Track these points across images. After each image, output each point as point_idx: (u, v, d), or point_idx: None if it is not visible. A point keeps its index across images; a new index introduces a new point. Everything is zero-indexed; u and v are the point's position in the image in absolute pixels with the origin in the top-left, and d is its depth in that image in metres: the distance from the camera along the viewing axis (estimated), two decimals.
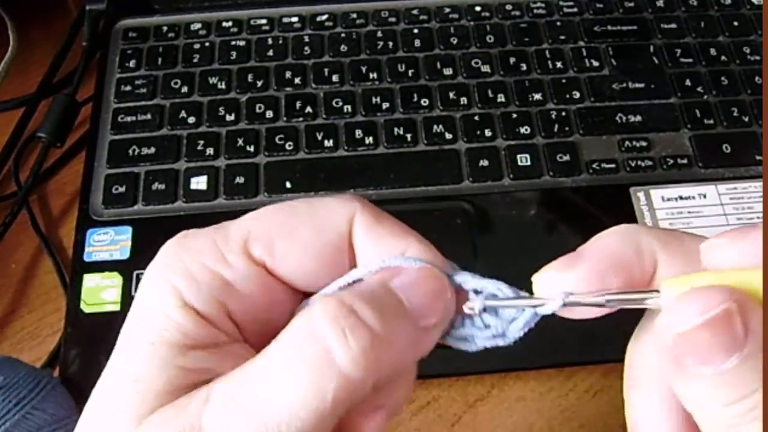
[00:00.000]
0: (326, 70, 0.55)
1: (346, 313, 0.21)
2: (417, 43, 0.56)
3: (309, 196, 0.48)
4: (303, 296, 0.25)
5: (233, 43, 0.56)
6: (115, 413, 0.21)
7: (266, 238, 0.23)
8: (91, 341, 0.44)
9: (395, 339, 0.21)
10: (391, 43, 0.56)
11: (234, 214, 0.51)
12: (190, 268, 0.23)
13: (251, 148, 0.51)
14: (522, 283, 0.24)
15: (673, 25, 0.57)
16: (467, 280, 0.24)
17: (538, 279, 0.23)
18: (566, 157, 0.50)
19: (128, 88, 0.54)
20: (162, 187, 0.49)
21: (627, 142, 0.51)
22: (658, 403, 0.23)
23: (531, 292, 0.23)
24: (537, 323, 0.23)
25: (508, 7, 0.58)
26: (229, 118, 0.52)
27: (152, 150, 0.51)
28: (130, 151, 0.51)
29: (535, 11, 0.58)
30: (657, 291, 0.21)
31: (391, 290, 0.22)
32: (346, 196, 0.25)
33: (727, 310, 0.19)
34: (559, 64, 0.55)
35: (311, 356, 0.20)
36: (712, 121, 0.52)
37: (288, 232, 0.23)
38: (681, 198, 0.48)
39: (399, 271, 0.23)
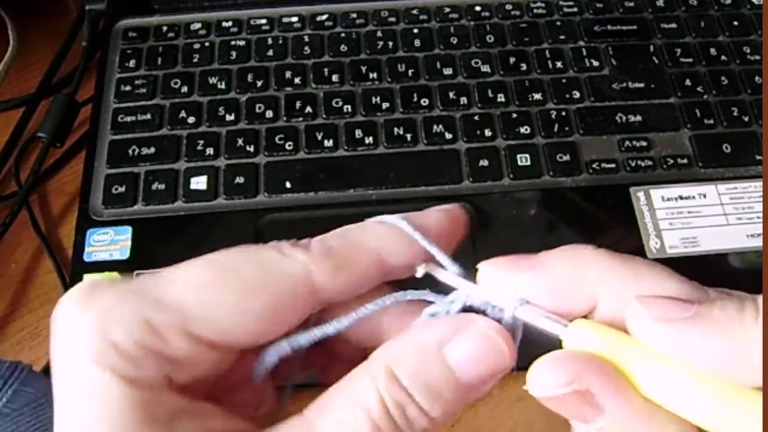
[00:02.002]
0: (326, 70, 0.55)
1: (405, 400, 0.21)
2: (417, 43, 0.56)
3: (309, 196, 0.49)
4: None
5: (233, 43, 0.56)
6: None
7: (210, 315, 0.21)
8: None
9: (448, 413, 0.21)
10: (391, 43, 0.56)
11: (234, 214, 0.51)
12: (128, 349, 0.21)
13: (251, 148, 0.51)
14: None
15: (673, 25, 0.57)
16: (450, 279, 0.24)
17: (485, 268, 0.23)
18: (566, 157, 0.50)
19: (128, 88, 0.54)
20: (162, 187, 0.49)
21: (627, 142, 0.51)
22: None
23: None
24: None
25: (508, 7, 0.58)
26: (229, 118, 0.52)
27: (152, 150, 0.51)
28: (130, 151, 0.51)
29: (535, 11, 0.58)
30: (565, 325, 0.22)
31: (447, 366, 0.21)
32: (288, 250, 0.23)
33: (577, 392, 0.20)
34: (559, 64, 0.55)
35: None
36: (712, 121, 0.52)
37: (237, 305, 0.22)
38: (681, 198, 0.48)
39: (454, 331, 0.22)
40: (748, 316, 0.19)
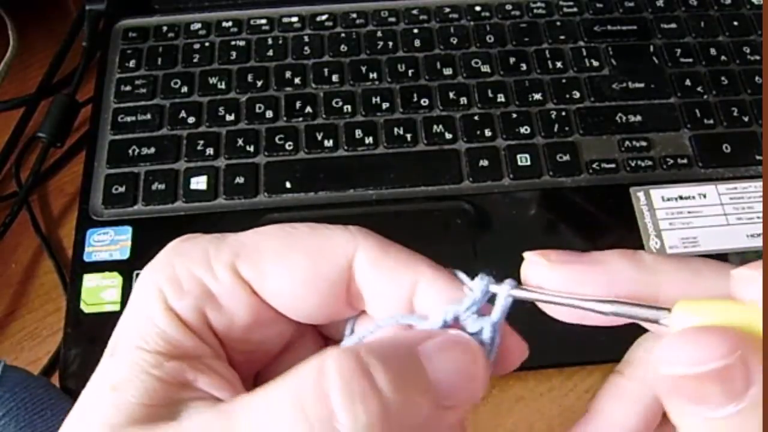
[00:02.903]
0: (326, 70, 0.55)
1: (360, 375, 0.18)
2: (417, 43, 0.56)
3: (309, 196, 0.49)
4: (312, 328, 0.24)
5: (233, 43, 0.56)
6: (89, 424, 0.20)
7: (256, 257, 0.22)
8: (91, 341, 0.44)
9: (408, 415, 0.19)
10: (391, 43, 0.56)
11: (234, 214, 0.51)
12: (178, 273, 0.22)
13: (251, 148, 0.51)
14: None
15: (673, 25, 0.57)
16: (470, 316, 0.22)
17: (527, 260, 0.22)
18: (566, 157, 0.50)
19: (128, 88, 0.54)
20: (162, 187, 0.49)
21: (627, 142, 0.51)
22: (632, 400, 0.23)
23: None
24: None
25: (508, 7, 0.58)
26: (229, 118, 0.52)
27: (152, 150, 0.51)
28: (130, 151, 0.51)
29: (535, 11, 0.58)
30: (668, 310, 0.20)
31: (416, 356, 0.20)
32: (352, 228, 0.23)
33: (728, 366, 0.17)
34: (559, 64, 0.55)
35: (312, 417, 0.18)
36: (712, 121, 0.52)
37: (280, 255, 0.22)
38: (681, 198, 0.48)
39: (430, 335, 0.21)
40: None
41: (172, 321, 0.22)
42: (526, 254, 0.22)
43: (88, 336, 0.44)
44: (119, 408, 0.20)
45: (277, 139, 0.51)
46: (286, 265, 0.22)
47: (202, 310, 0.22)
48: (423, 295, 0.22)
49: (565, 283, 0.21)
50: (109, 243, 0.47)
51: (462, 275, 0.23)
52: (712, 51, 0.55)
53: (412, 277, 0.22)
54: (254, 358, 0.24)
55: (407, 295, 0.23)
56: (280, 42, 0.56)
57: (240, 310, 0.22)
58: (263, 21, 0.58)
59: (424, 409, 0.19)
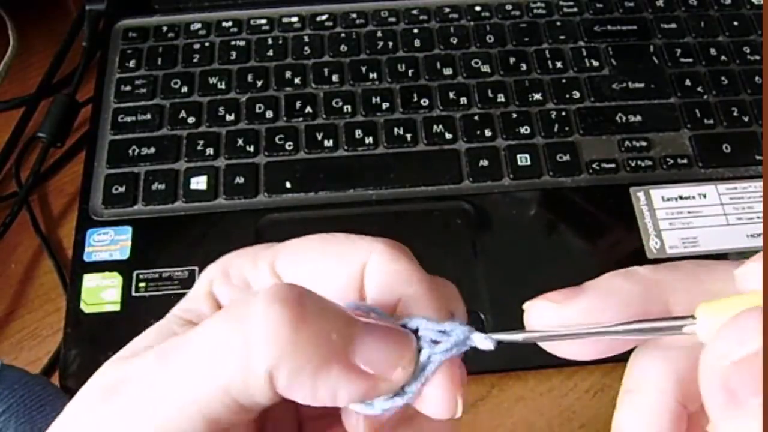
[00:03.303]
0: (326, 70, 0.55)
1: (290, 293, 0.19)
2: (417, 43, 0.56)
3: (309, 196, 0.49)
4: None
5: (233, 43, 0.56)
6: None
7: (293, 256, 0.23)
8: (91, 341, 0.44)
9: (316, 342, 0.19)
10: (391, 43, 0.56)
11: (234, 214, 0.51)
12: (230, 267, 0.24)
13: (251, 148, 0.51)
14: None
15: (673, 25, 0.57)
16: (423, 325, 0.21)
17: (531, 307, 0.22)
18: (566, 157, 0.50)
19: (128, 88, 0.54)
20: (162, 187, 0.49)
21: (627, 142, 0.51)
22: (653, 412, 0.22)
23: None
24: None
25: (508, 7, 0.58)
26: (229, 118, 0.52)
27: (152, 150, 0.51)
28: (130, 151, 0.51)
29: (535, 11, 0.58)
30: (692, 317, 0.20)
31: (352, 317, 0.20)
32: (377, 239, 0.24)
33: None
34: (559, 64, 0.55)
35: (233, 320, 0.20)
36: (712, 121, 0.52)
37: (314, 258, 0.23)
38: (681, 198, 0.48)
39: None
40: None
41: (209, 303, 0.23)
42: (527, 303, 0.22)
43: (88, 336, 0.44)
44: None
45: (277, 139, 0.51)
46: (317, 264, 0.23)
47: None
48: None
49: (579, 317, 0.21)
50: (109, 243, 0.47)
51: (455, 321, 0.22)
52: (712, 51, 0.55)
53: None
54: None
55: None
56: (280, 42, 0.56)
57: None
58: (263, 21, 0.58)
59: (333, 349, 0.19)
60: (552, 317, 0.21)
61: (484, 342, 0.21)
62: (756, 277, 0.19)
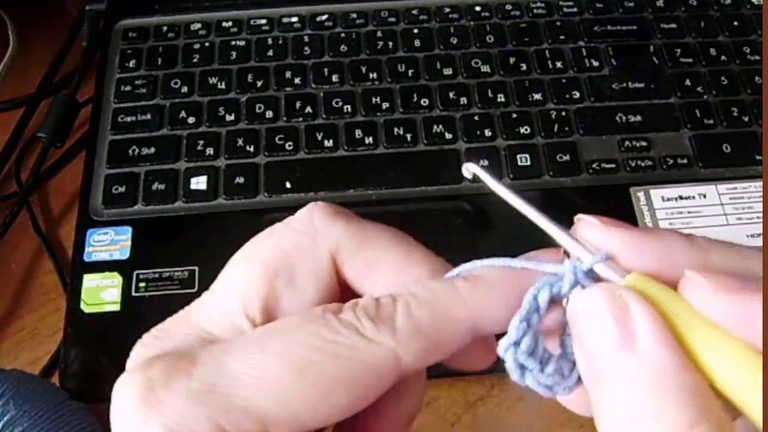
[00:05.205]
0: (326, 70, 0.55)
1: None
2: (417, 43, 0.56)
3: (309, 196, 0.49)
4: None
5: (233, 43, 0.56)
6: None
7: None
8: (91, 341, 0.44)
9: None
10: (391, 43, 0.56)
11: (234, 215, 0.51)
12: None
13: (251, 148, 0.51)
14: None
15: (673, 25, 0.57)
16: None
17: (580, 223, 0.22)
18: (566, 157, 0.50)
19: (128, 88, 0.54)
20: (162, 187, 0.49)
21: (627, 142, 0.51)
22: None
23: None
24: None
25: (508, 7, 0.58)
26: (229, 118, 0.52)
27: (152, 150, 0.51)
28: (130, 151, 0.51)
29: (535, 11, 0.58)
30: (625, 274, 0.20)
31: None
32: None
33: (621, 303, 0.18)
34: (559, 64, 0.55)
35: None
36: (712, 121, 0.52)
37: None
38: (681, 198, 0.48)
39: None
40: None
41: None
42: (579, 215, 0.22)
43: (88, 336, 0.44)
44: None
45: (277, 139, 0.51)
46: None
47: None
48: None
49: (617, 246, 0.21)
50: (109, 243, 0.47)
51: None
52: (712, 51, 0.55)
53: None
54: None
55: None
56: (280, 42, 0.56)
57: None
58: (263, 21, 0.58)
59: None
60: (596, 238, 0.21)
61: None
62: (695, 286, 0.19)
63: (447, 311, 0.20)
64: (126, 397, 0.19)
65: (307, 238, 0.22)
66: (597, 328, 0.19)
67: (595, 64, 0.55)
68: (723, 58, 0.55)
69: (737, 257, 0.20)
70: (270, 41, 0.56)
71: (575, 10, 0.58)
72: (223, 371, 0.19)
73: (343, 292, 0.22)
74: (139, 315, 0.44)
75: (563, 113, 0.52)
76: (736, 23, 0.57)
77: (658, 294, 0.19)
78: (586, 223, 0.22)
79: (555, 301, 0.21)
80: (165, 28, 0.57)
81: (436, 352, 0.20)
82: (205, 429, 0.18)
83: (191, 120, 0.52)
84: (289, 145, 0.51)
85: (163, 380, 0.19)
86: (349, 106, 0.53)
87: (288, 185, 0.49)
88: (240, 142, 0.51)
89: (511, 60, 0.55)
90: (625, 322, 0.18)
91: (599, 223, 0.21)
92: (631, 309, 0.19)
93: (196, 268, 0.46)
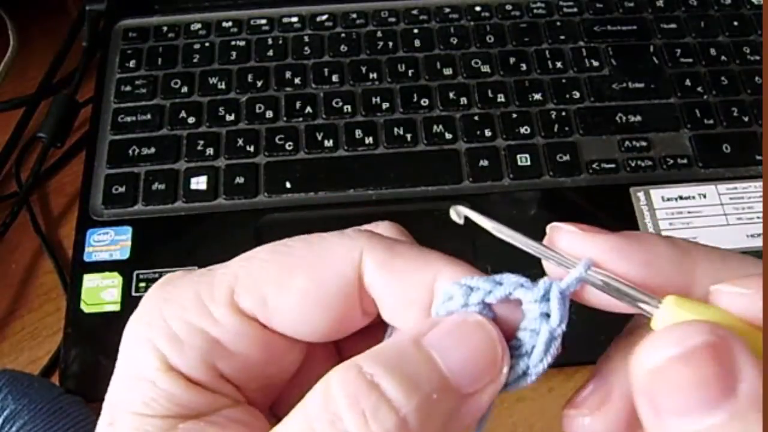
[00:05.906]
0: (326, 70, 0.55)
1: (366, 389, 0.17)
2: (417, 43, 0.56)
3: (309, 196, 0.49)
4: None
5: (233, 43, 0.56)
6: None
7: (256, 287, 0.20)
8: (91, 341, 0.44)
9: (430, 415, 0.17)
10: (391, 43, 0.56)
11: (234, 215, 0.51)
12: (173, 326, 0.20)
13: (251, 148, 0.51)
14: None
15: (673, 25, 0.57)
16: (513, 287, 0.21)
17: (558, 232, 0.20)
18: (566, 157, 0.50)
19: (128, 88, 0.54)
20: (162, 187, 0.49)
21: (627, 142, 0.51)
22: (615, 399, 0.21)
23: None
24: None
25: (508, 7, 0.58)
26: (229, 118, 0.52)
27: (152, 150, 0.51)
28: (130, 151, 0.51)
29: (535, 11, 0.58)
30: (659, 300, 0.18)
31: (425, 351, 0.18)
32: (352, 232, 0.21)
33: (709, 354, 0.16)
34: (559, 64, 0.55)
35: None
36: (712, 121, 0.52)
37: (282, 280, 0.20)
38: (681, 198, 0.48)
39: (434, 323, 0.19)
40: None
41: (177, 381, 0.20)
42: (553, 224, 0.21)
43: (88, 336, 0.44)
44: None
45: (277, 139, 0.51)
46: (290, 288, 0.20)
47: (209, 362, 0.20)
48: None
49: (599, 255, 0.19)
50: (109, 243, 0.47)
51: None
52: (712, 51, 0.55)
53: (426, 277, 0.20)
54: (270, 388, 0.22)
55: (423, 297, 0.20)
56: (280, 42, 0.56)
57: (250, 349, 0.20)
58: (263, 21, 0.58)
59: (446, 404, 0.18)
60: (573, 246, 0.20)
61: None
62: (732, 298, 0.18)
63: (420, 250, 0.22)
64: (146, 297, 0.21)
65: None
66: (698, 381, 0.16)
67: (595, 64, 0.55)
68: (723, 58, 0.55)
69: (718, 258, 0.20)
70: (270, 41, 0.56)
71: (575, 10, 0.58)
72: (227, 269, 0.21)
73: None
74: None
75: (563, 113, 0.52)
76: (736, 23, 0.57)
77: (715, 315, 0.18)
78: (564, 232, 0.21)
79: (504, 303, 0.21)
80: (165, 28, 0.57)
81: (397, 272, 0.21)
82: (187, 299, 0.21)
83: (191, 120, 0.52)
84: (289, 145, 0.51)
85: (176, 280, 0.22)
86: (349, 106, 0.53)
87: (288, 185, 0.49)
88: (240, 142, 0.51)
89: (511, 60, 0.55)
90: (731, 369, 0.16)
91: (577, 230, 0.20)
92: (735, 354, 0.16)
93: (196, 268, 0.46)
